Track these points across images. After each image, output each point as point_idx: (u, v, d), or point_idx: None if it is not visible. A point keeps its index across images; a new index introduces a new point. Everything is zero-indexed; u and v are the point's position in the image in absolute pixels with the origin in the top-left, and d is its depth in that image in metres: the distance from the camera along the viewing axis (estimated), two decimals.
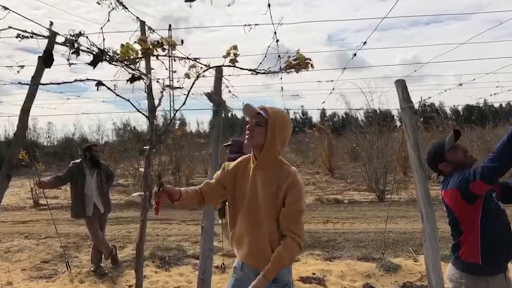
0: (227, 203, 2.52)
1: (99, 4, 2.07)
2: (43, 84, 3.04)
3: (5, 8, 2.10)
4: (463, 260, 2.65)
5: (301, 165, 22.31)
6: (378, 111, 13.69)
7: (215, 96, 4.11)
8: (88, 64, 2.09)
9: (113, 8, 2.17)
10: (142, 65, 2.77)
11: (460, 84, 5.66)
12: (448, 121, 17.74)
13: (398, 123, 16.35)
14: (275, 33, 2.95)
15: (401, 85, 4.28)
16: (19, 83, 2.74)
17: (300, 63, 3.04)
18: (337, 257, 6.28)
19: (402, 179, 13.46)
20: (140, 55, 2.17)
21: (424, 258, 3.70)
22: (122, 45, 2.12)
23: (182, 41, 2.65)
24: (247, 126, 2.39)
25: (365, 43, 4.27)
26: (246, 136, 2.36)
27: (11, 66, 2.54)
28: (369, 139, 13.32)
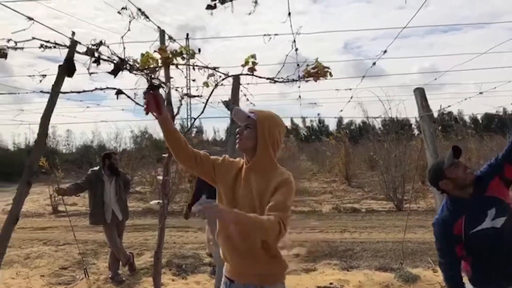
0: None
1: (119, 13, 2.10)
2: (64, 93, 3.08)
3: (30, 18, 2.14)
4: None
5: (317, 174, 22.20)
6: (395, 119, 13.58)
7: (232, 104, 4.13)
8: (109, 73, 2.12)
9: (134, 18, 2.19)
10: (161, 73, 2.80)
11: (481, 93, 5.58)
12: (467, 130, 17.50)
13: (416, 132, 16.24)
14: (294, 41, 2.95)
15: (420, 94, 4.25)
16: (41, 91, 2.78)
17: (318, 72, 3.04)
18: (354, 267, 6.21)
19: (420, 188, 13.29)
20: (160, 64, 2.18)
21: None
22: (142, 54, 2.14)
23: (199, 50, 2.67)
24: (236, 130, 2.35)
25: (385, 52, 4.25)
26: (237, 141, 2.31)
27: (33, 76, 2.60)
28: (386, 147, 13.20)
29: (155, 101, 2.17)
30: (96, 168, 6.12)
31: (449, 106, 5.92)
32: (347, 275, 5.83)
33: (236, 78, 4.01)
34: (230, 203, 2.26)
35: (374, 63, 4.70)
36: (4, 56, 2.00)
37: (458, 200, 2.59)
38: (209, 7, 1.86)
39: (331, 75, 3.08)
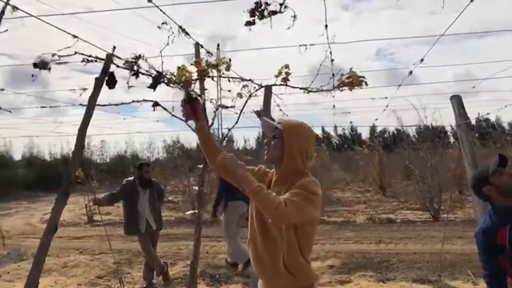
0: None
1: (159, 28, 2.13)
2: (102, 105, 3.14)
3: (75, 36, 2.20)
4: None
5: (350, 183, 21.93)
6: (431, 127, 13.28)
7: (264, 114, 4.13)
8: (148, 87, 2.15)
9: (173, 33, 2.22)
10: (196, 85, 2.82)
11: None
12: (506, 137, 16.97)
13: (452, 140, 15.84)
14: (330, 52, 2.93)
15: (457, 101, 4.14)
16: (80, 104, 2.84)
17: (353, 81, 3.00)
18: (390, 279, 6.07)
19: (458, 197, 12.93)
20: (195, 77, 2.20)
21: None
22: (178, 68, 2.16)
23: (230, 60, 2.68)
24: (264, 141, 2.33)
25: (422, 60, 4.16)
26: (265, 152, 2.29)
27: (74, 89, 2.67)
28: (422, 156, 12.91)
29: (193, 110, 2.28)
30: (131, 178, 6.19)
31: (488, 113, 5.73)
32: (383, 287, 5.70)
33: (268, 88, 4.01)
34: (258, 214, 2.23)
35: (411, 72, 4.61)
36: (46, 67, 2.06)
37: (502, 209, 2.52)
38: (248, 23, 1.86)
39: (366, 84, 3.04)
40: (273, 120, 2.45)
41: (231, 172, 2.12)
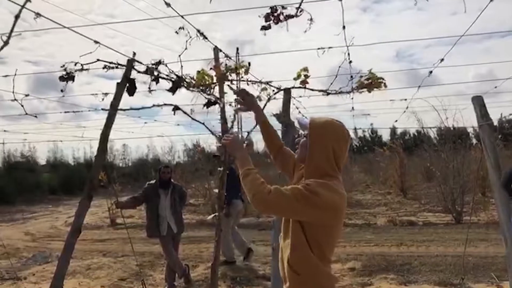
0: None
1: (177, 33, 2.18)
2: (124, 110, 3.22)
3: (96, 42, 2.28)
4: None
5: (371, 185, 21.75)
6: (452, 128, 13.09)
7: (283, 117, 4.15)
8: (168, 90, 2.20)
9: (191, 37, 2.27)
10: (215, 89, 2.87)
11: None
12: None
13: (474, 141, 15.59)
14: (348, 54, 2.94)
15: (479, 102, 4.10)
16: (102, 109, 2.92)
17: (372, 83, 3.01)
18: (412, 282, 6.02)
19: (480, 199, 12.72)
20: (215, 81, 2.24)
21: (510, 285, 3.47)
22: (198, 72, 2.21)
23: (249, 64, 2.71)
24: (296, 140, 2.31)
25: (442, 60, 4.13)
26: (296, 152, 2.27)
27: (96, 94, 2.74)
28: (444, 158, 12.75)
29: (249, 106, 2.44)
30: (153, 181, 6.28)
31: (511, 114, 5.63)
32: None
33: (287, 91, 4.03)
34: (285, 225, 2.22)
35: (431, 72, 4.57)
36: (72, 78, 2.13)
37: None
38: (263, 28, 1.89)
39: (385, 86, 3.04)
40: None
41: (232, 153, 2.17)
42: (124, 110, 3.22)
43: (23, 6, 1.65)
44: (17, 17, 1.54)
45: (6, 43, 1.68)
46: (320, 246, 2.04)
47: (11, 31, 1.61)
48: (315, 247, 2.03)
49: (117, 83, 3.35)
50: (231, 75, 2.44)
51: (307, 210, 1.95)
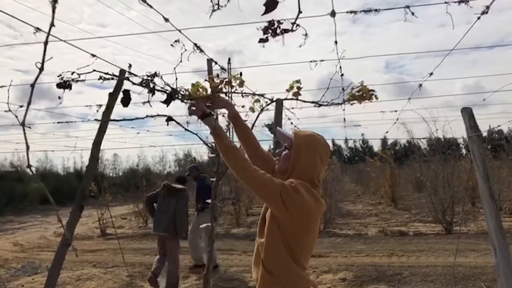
0: None
1: (172, 46, 2.21)
2: (117, 120, 3.23)
3: (93, 55, 2.30)
4: None
5: (362, 196, 21.84)
6: (442, 139, 13.21)
7: (275, 128, 4.18)
8: (162, 102, 2.23)
9: (186, 50, 2.30)
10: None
11: None
12: None
13: (464, 152, 15.73)
14: (340, 67, 2.99)
15: (468, 114, 4.17)
16: (95, 119, 2.93)
17: (363, 94, 3.06)
18: None
19: (470, 210, 12.81)
20: (209, 93, 2.27)
21: None
22: (192, 84, 2.24)
23: (241, 74, 2.75)
24: (276, 152, 2.31)
25: (431, 74, 4.20)
26: (275, 163, 2.28)
27: (90, 106, 2.75)
28: (433, 168, 12.85)
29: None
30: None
31: (499, 126, 5.74)
32: None
33: (279, 102, 4.07)
34: (264, 210, 2.20)
35: (421, 85, 4.64)
36: (69, 87, 2.15)
37: None
38: (261, 40, 1.92)
39: (376, 98, 3.09)
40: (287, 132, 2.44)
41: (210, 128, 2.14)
42: (117, 120, 3.24)
43: (49, 33, 1.66)
44: (46, 43, 1.56)
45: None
46: (293, 250, 2.03)
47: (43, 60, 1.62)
48: (289, 250, 2.02)
49: (110, 93, 3.36)
50: (225, 88, 2.47)
51: (285, 203, 1.95)
